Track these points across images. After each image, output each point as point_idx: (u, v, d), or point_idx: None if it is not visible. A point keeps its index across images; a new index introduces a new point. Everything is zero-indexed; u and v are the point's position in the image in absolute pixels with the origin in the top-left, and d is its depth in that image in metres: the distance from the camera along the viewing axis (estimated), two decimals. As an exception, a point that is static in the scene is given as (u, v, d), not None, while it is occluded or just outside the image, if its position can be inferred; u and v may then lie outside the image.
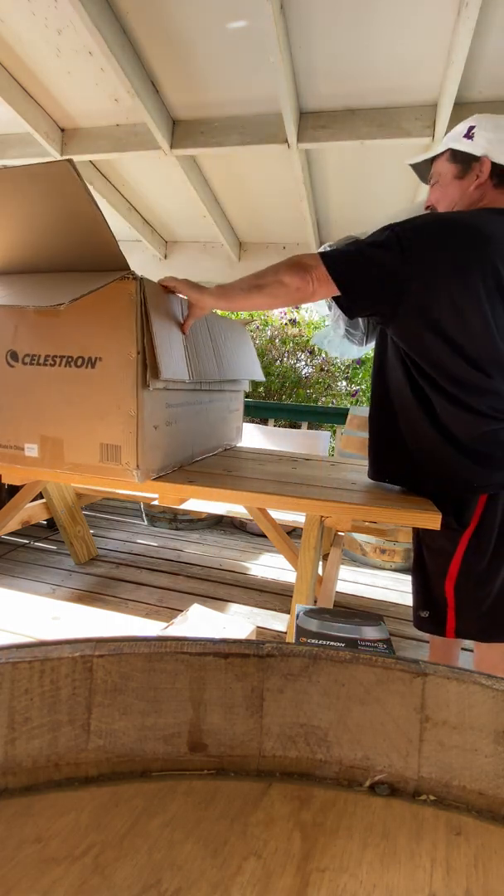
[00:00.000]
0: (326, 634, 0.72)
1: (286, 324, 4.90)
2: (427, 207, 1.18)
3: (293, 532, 3.23)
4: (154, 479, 1.22)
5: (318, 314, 4.84)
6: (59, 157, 2.14)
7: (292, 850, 0.37)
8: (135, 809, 0.39)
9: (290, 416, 4.05)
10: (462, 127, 1.08)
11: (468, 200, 1.09)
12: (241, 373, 1.61)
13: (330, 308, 1.24)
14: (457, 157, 1.09)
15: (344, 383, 5.02)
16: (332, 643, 0.69)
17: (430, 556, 1.14)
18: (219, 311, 1.55)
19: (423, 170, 1.22)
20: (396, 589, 2.58)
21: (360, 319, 1.25)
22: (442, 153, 1.12)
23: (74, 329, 1.17)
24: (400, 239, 0.98)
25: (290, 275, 1.02)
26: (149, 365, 1.14)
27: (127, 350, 1.12)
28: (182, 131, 2.00)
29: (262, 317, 5.05)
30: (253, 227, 2.81)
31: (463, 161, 1.08)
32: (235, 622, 1.62)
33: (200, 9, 1.49)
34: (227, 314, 3.92)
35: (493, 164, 1.05)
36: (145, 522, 3.31)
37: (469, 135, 1.06)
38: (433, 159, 1.15)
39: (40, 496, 2.47)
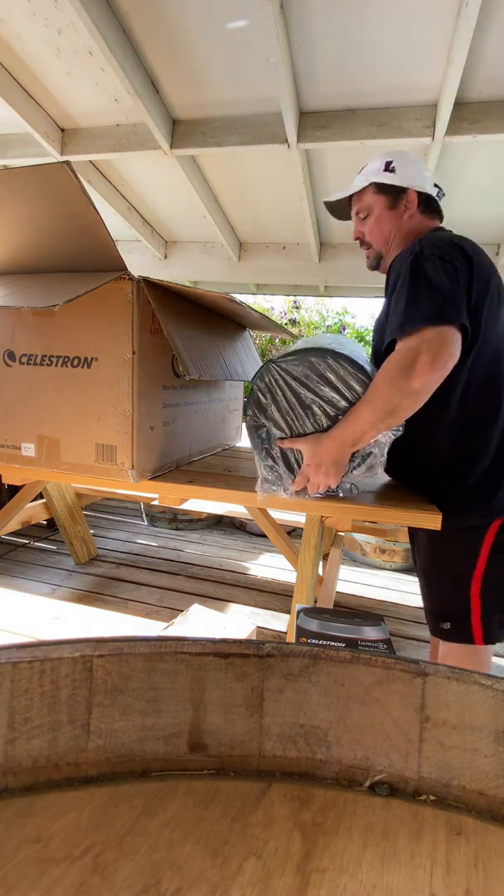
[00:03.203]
0: (326, 634, 0.72)
1: (286, 324, 4.90)
2: (356, 238, 1.23)
3: (293, 532, 3.23)
4: (153, 479, 1.22)
5: (318, 314, 4.84)
6: (59, 157, 2.14)
7: (292, 850, 0.37)
8: (135, 809, 0.39)
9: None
10: (377, 164, 1.15)
11: (406, 229, 1.15)
12: (246, 375, 1.61)
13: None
14: (383, 189, 1.15)
15: (344, 383, 5.00)
16: (332, 643, 0.69)
17: (446, 559, 1.11)
18: (214, 313, 1.55)
19: (339, 208, 1.27)
20: (396, 589, 2.58)
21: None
22: (365, 188, 1.17)
23: (71, 329, 1.17)
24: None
25: (410, 378, 0.89)
26: (177, 363, 1.14)
27: (122, 350, 1.12)
28: (182, 131, 1.99)
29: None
30: (253, 227, 2.80)
31: (390, 193, 1.14)
32: (235, 622, 1.62)
33: (201, 9, 1.49)
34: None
35: (419, 194, 1.13)
36: (145, 522, 3.31)
37: (390, 169, 1.13)
38: (351, 197, 1.21)
39: (40, 496, 2.47)
